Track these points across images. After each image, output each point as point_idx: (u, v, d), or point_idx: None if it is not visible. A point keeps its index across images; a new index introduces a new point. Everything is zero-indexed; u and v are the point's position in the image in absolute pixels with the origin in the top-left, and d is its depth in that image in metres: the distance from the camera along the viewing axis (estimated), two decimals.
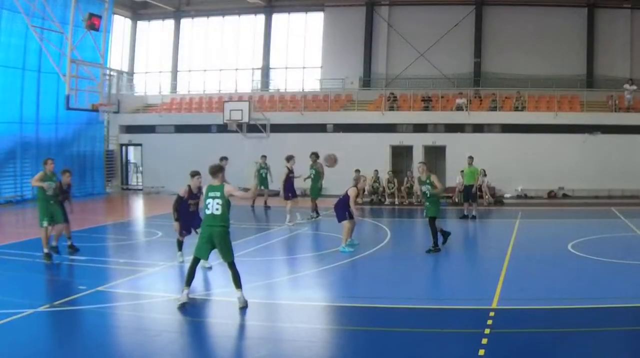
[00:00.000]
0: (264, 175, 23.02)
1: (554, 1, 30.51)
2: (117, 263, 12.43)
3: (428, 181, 13.58)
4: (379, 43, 32.54)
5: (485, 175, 24.49)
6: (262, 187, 22.94)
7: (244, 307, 8.79)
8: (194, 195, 11.69)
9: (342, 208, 13.87)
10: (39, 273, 11.42)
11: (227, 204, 8.87)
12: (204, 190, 9.17)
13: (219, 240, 8.81)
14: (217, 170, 9.15)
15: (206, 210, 8.81)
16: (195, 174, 11.66)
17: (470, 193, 19.78)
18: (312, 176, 19.53)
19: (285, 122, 28.62)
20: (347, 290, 10.48)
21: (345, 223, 13.76)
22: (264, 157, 23.54)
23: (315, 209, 19.33)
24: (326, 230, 17.20)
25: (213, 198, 8.82)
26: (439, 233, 13.70)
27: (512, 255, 12.95)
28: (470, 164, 20.00)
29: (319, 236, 16.19)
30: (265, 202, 22.42)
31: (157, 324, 8.42)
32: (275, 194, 23.08)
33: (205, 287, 10.58)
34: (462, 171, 24.33)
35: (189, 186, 11.67)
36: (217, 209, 8.77)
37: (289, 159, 18.35)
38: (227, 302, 9.59)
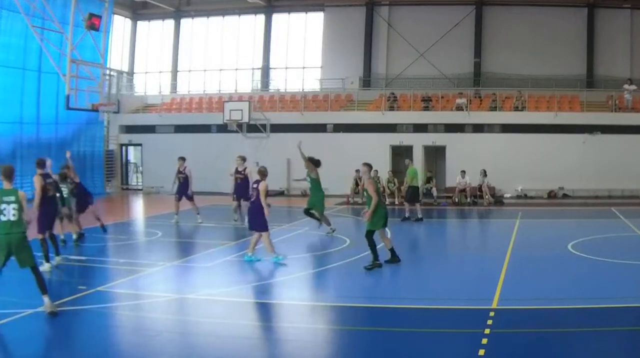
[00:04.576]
0: None
1: (554, 1, 30.52)
2: (117, 263, 12.42)
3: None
4: (379, 43, 32.55)
5: (485, 175, 24.54)
6: None
7: (53, 312, 8.26)
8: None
9: (262, 214, 12.08)
10: None
11: (22, 209, 8.30)
12: None
13: (18, 247, 8.22)
14: (10, 173, 8.66)
15: (1, 216, 8.18)
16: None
17: (410, 195, 19.34)
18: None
19: (285, 122, 28.62)
20: (347, 290, 10.47)
21: (265, 234, 12.18)
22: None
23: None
24: (326, 230, 17.17)
25: (8, 203, 8.21)
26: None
27: (512, 255, 12.95)
28: (408, 165, 19.85)
29: (319, 236, 16.18)
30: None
31: (157, 324, 8.42)
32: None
33: (204, 287, 10.57)
34: (463, 171, 24.54)
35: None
36: (13, 215, 8.19)
37: (181, 159, 18.20)
38: (228, 302, 9.59)
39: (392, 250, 12.05)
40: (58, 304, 8.48)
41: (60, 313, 8.35)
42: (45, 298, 8.33)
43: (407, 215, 19.27)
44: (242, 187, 16.97)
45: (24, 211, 8.37)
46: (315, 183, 15.91)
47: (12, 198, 8.26)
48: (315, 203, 15.98)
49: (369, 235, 11.65)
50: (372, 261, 11.60)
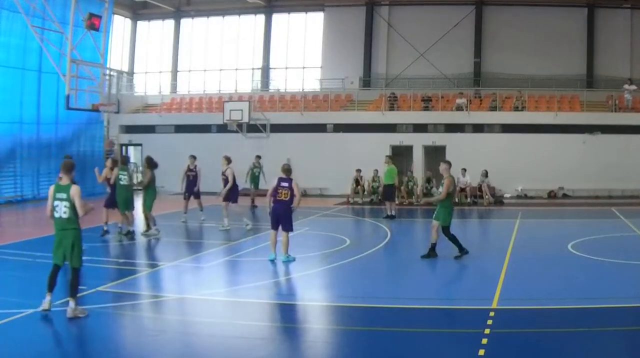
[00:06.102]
0: (256, 174, 23.26)
1: (554, 1, 30.53)
2: (117, 263, 12.42)
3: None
4: (379, 43, 32.56)
5: (486, 175, 24.53)
6: (252, 187, 23.00)
7: (73, 318, 8.13)
8: None
9: (291, 213, 12.42)
10: (39, 273, 11.38)
11: (74, 207, 8.21)
12: (50, 191, 8.35)
13: (69, 243, 8.26)
14: (69, 168, 8.43)
15: (55, 213, 8.22)
16: None
17: (387, 193, 19.93)
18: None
19: (285, 122, 28.63)
20: (347, 290, 10.47)
21: (286, 235, 12.27)
22: (258, 157, 23.70)
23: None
24: (326, 230, 17.20)
25: (60, 200, 8.20)
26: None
27: (512, 255, 12.96)
28: (387, 163, 20.09)
29: (318, 236, 16.19)
30: (253, 201, 22.42)
31: (157, 324, 8.42)
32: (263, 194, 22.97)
33: (204, 287, 10.57)
34: (464, 169, 24.49)
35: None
36: (64, 213, 8.19)
37: (191, 156, 18.31)
38: (227, 302, 9.60)
39: (434, 245, 12.59)
40: (58, 304, 8.46)
41: (60, 313, 8.34)
42: (72, 303, 8.23)
43: (388, 213, 19.71)
44: (230, 190, 16.92)
45: (79, 207, 8.23)
46: (148, 184, 15.80)
47: (64, 195, 8.22)
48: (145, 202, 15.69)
49: (446, 231, 12.49)
50: (459, 251, 12.54)
